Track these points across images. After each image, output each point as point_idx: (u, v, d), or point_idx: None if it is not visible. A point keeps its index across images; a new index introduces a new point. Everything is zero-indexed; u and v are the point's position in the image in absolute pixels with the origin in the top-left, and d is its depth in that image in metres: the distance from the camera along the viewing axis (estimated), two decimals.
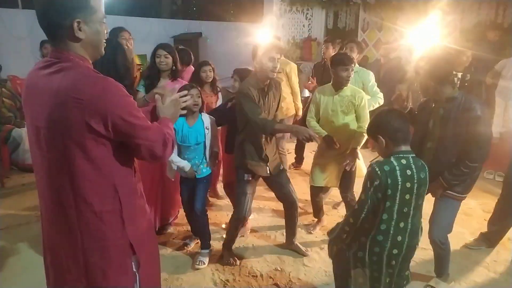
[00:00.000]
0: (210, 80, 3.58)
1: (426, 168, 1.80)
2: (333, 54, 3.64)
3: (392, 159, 1.76)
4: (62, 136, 1.26)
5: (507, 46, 5.33)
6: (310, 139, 2.35)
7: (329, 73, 2.99)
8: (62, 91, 1.23)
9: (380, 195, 1.72)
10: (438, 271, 2.56)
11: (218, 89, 3.71)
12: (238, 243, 3.06)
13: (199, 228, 2.89)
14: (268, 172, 2.71)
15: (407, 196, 1.73)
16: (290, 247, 3.00)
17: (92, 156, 1.29)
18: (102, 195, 1.35)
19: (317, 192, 3.20)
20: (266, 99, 2.61)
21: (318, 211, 3.34)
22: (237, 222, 2.80)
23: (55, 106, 1.24)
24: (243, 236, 3.20)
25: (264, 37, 6.29)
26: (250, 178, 2.71)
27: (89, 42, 1.33)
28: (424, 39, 4.82)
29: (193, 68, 4.02)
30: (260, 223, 3.46)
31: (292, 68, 4.16)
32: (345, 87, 2.93)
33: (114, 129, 1.28)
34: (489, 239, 3.02)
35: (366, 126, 2.22)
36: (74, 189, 1.31)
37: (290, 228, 2.97)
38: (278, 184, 2.80)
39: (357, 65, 3.58)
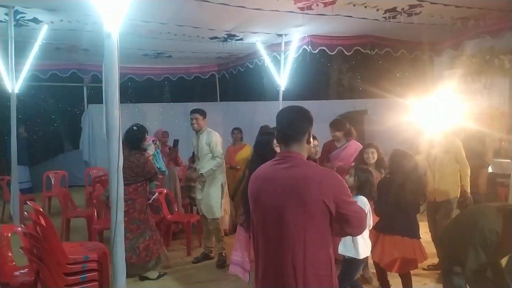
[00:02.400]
0: (372, 161, 3.74)
1: None
2: None
3: None
4: (303, 211, 1.69)
5: None
6: None
7: None
8: (304, 179, 1.71)
9: None
10: None
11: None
12: None
13: None
14: None
15: None
16: None
17: (319, 227, 1.71)
18: (323, 260, 1.73)
19: None
20: None
21: None
22: None
23: (299, 190, 1.70)
24: None
25: (432, 111, 6.12)
26: None
27: (311, 144, 1.89)
28: None
29: (357, 144, 4.31)
30: None
31: (456, 147, 3.96)
32: None
33: (336, 205, 1.70)
34: None
35: None
36: (305, 256, 1.69)
37: None
38: None
39: None
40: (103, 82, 2.94)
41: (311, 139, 1.86)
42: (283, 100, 6.54)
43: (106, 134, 2.66)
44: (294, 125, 1.82)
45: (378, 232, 3.27)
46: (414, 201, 3.17)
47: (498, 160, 3.62)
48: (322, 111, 9.98)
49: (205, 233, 4.73)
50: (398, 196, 3.13)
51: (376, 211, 3.20)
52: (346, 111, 10.32)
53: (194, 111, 4.59)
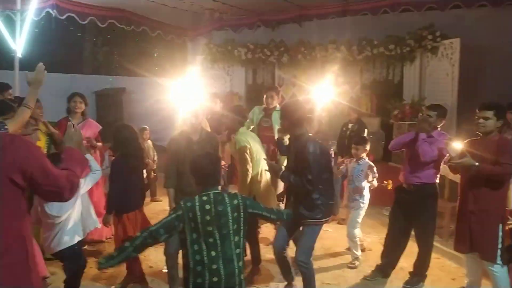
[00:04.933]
0: None
1: (227, 201, 2.04)
2: None
3: (196, 197, 2.03)
4: None
5: None
6: None
7: None
8: None
9: (179, 224, 1.97)
10: None
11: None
12: None
13: None
14: None
15: (210, 228, 1.97)
16: None
17: (9, 206, 1.46)
18: (11, 243, 1.46)
19: None
20: (194, 147, 2.98)
21: None
22: None
23: None
24: None
25: (186, 92, 6.56)
26: None
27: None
28: (324, 94, 5.46)
29: (95, 123, 4.13)
30: None
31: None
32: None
33: (27, 177, 1.45)
34: (383, 270, 3.38)
35: None
36: None
37: None
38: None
39: (278, 105, 4.24)
40: None
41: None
42: (21, 70, 5.48)
43: None
44: None
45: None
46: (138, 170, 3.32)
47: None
48: (75, 86, 9.01)
49: None
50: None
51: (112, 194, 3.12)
52: (102, 87, 9.76)
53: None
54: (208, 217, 1.97)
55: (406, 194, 3.21)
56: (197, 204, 1.99)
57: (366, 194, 3.79)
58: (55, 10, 5.34)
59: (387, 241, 3.39)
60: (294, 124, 2.83)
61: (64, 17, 5.54)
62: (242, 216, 2.05)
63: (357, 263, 3.67)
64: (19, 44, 5.32)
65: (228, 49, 7.95)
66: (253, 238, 3.34)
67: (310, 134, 2.97)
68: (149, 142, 6.19)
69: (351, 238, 3.72)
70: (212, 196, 2.02)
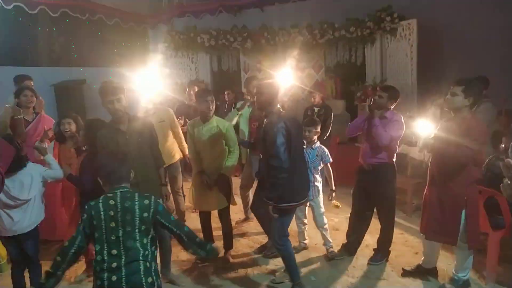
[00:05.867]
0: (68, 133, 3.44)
1: (136, 198, 1.96)
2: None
3: (101, 197, 1.97)
4: None
5: None
6: None
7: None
8: None
9: (87, 229, 1.92)
10: (290, 278, 2.94)
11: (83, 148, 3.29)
12: None
13: None
14: None
15: (112, 224, 1.90)
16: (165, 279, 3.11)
17: None
18: None
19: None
20: (126, 137, 2.76)
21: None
22: None
23: None
24: None
25: (150, 81, 6.38)
26: None
27: None
28: (290, 79, 5.46)
29: (49, 118, 3.94)
30: None
31: (169, 114, 4.28)
32: (211, 119, 3.31)
33: None
34: (349, 249, 3.48)
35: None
36: None
37: (163, 259, 3.16)
38: None
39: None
40: None
41: None
42: None
43: None
44: None
45: None
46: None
47: None
48: (32, 80, 8.60)
49: None
50: None
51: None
52: (61, 80, 9.33)
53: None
54: (111, 212, 1.90)
55: (365, 174, 3.28)
56: (100, 201, 1.94)
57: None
58: (0, 0, 5.03)
59: (351, 220, 3.48)
60: (267, 102, 2.84)
61: (10, 6, 5.23)
62: (151, 218, 1.96)
63: (331, 250, 3.52)
64: None
65: (191, 36, 7.77)
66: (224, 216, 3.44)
67: (282, 111, 2.88)
68: None
69: (321, 226, 3.53)
70: (119, 194, 1.95)
